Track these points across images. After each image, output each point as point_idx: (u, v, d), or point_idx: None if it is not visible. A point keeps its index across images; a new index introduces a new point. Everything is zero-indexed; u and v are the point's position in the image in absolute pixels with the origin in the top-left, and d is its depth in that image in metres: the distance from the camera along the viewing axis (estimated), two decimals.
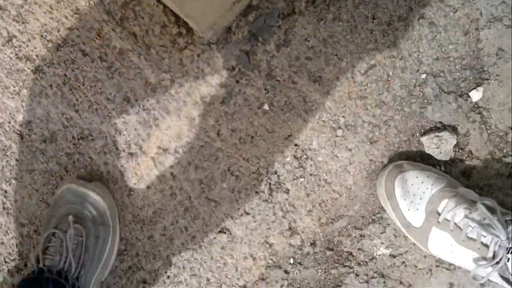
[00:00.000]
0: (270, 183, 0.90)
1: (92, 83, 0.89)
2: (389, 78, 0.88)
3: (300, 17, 0.87)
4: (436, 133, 0.87)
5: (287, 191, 0.90)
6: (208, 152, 0.90)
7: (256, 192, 0.91)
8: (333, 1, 0.86)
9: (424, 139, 0.88)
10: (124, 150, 0.90)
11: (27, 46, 0.89)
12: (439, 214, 0.77)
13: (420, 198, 0.80)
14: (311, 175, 0.90)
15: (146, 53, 0.88)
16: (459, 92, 0.88)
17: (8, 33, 0.89)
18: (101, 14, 0.87)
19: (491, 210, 0.72)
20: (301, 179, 0.90)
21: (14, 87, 0.90)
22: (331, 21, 0.87)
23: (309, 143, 0.89)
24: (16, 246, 0.93)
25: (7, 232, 0.93)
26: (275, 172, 0.90)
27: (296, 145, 0.90)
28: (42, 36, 0.88)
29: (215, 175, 0.90)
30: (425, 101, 0.88)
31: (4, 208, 0.93)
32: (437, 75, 0.87)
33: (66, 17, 0.88)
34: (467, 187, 0.81)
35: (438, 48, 0.87)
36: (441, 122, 0.88)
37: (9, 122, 0.91)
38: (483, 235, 0.72)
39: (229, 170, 0.90)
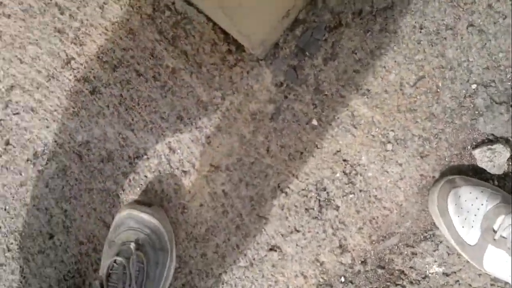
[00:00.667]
0: (319, 200, 0.88)
1: (147, 103, 0.91)
2: (438, 90, 0.85)
3: (347, 29, 0.86)
4: (489, 146, 0.82)
5: (337, 208, 0.88)
6: (258, 168, 0.89)
7: (306, 209, 0.89)
8: (380, 11, 0.85)
9: (476, 152, 0.84)
10: (178, 168, 0.91)
11: (85, 67, 0.92)
12: (495, 231, 0.72)
13: (475, 215, 0.75)
14: (361, 191, 0.88)
15: (198, 71, 0.89)
16: (511, 103, 0.84)
17: (66, 55, 0.92)
18: (153, 34, 0.90)
19: None
20: (351, 195, 0.88)
21: (73, 108, 0.93)
22: (378, 32, 0.86)
23: (359, 158, 0.87)
24: (75, 264, 0.94)
25: (66, 250, 0.95)
26: (325, 189, 0.88)
27: (345, 160, 0.88)
28: (98, 57, 0.91)
29: (265, 192, 0.89)
30: (476, 112, 0.85)
31: (64, 226, 0.95)
32: (488, 85, 0.84)
33: (121, 38, 0.90)
34: None
35: (488, 56, 0.84)
36: (493, 134, 0.84)
37: (69, 143, 0.93)
38: None
39: (279, 187, 0.89)
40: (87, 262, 0.93)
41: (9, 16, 0.91)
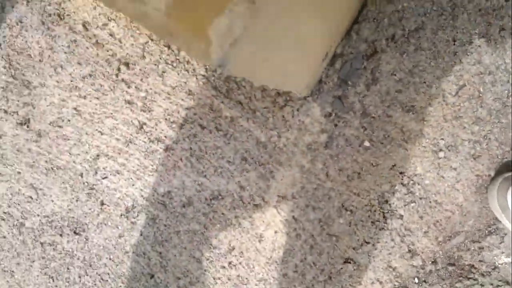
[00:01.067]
0: (383, 212, 0.95)
1: (213, 151, 1.01)
2: (480, 94, 0.88)
3: (383, 54, 0.91)
4: None
5: (400, 217, 0.94)
6: (321, 193, 0.97)
7: (372, 222, 0.95)
8: (412, 33, 0.89)
9: None
10: (249, 203, 1.00)
11: (156, 129, 1.03)
12: None
13: None
14: (421, 198, 0.93)
15: (253, 116, 0.98)
16: None
17: (139, 122, 1.04)
18: (210, 90, 0.99)
19: None
20: (412, 204, 0.93)
21: (152, 166, 1.05)
22: (413, 52, 0.90)
23: (414, 169, 0.93)
24: None
25: (166, 286, 1.08)
26: (386, 201, 0.95)
27: (401, 173, 0.93)
28: (166, 119, 1.03)
29: (331, 212, 0.97)
30: None
31: (161, 266, 1.08)
32: None
33: (182, 99, 1.01)
34: None
35: None
36: None
37: (153, 195, 1.06)
38: None
39: (343, 206, 0.97)
40: None
41: (85, 97, 1.04)
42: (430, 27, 0.87)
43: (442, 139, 0.88)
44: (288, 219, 0.96)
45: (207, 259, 1.01)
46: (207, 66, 0.96)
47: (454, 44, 0.86)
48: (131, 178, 1.03)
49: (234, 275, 1.00)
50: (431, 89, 0.88)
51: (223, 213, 0.99)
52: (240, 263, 1.00)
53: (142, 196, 1.03)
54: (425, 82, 0.88)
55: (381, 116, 0.91)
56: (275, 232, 0.97)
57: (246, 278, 1.00)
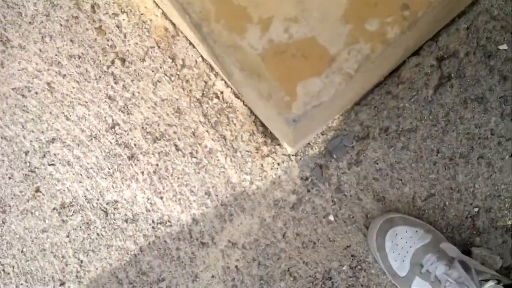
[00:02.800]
0: None
1: (180, 175, 0.93)
2: (445, 207, 0.92)
3: (373, 141, 0.92)
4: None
5: None
6: (272, 251, 0.93)
7: None
8: (404, 132, 0.91)
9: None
10: (197, 239, 0.93)
11: (128, 134, 0.93)
12: (422, 266, 0.81)
13: (407, 252, 0.82)
14: (362, 285, 0.92)
15: (233, 155, 0.93)
16: (505, 229, 0.92)
17: (112, 120, 0.94)
18: (198, 116, 0.93)
19: (467, 269, 0.76)
20: None
21: (109, 169, 0.94)
22: (400, 149, 0.92)
23: (365, 256, 0.92)
24: None
25: None
26: (330, 278, 0.93)
27: (353, 256, 0.93)
28: (143, 127, 0.93)
29: (275, 273, 0.93)
30: (475, 232, 0.92)
31: (77, 276, 0.95)
32: (488, 211, 0.92)
33: (167, 114, 0.93)
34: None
35: (492, 186, 0.91)
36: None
37: (98, 200, 0.94)
38: None
39: (288, 270, 0.93)
40: None
41: (64, 76, 0.92)
42: (422, 132, 0.89)
43: None
44: (231, 267, 0.90)
45: (130, 283, 0.91)
46: (205, 92, 0.90)
47: (437, 155, 0.89)
48: (81, 174, 0.92)
49: None
50: (405, 187, 0.90)
51: (165, 241, 0.91)
52: None
53: (85, 196, 0.92)
54: (401, 180, 0.90)
55: (352, 196, 0.90)
56: (212, 276, 0.90)
57: None
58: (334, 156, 0.91)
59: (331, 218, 0.91)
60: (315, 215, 0.91)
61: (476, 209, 0.90)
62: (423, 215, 0.90)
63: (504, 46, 0.90)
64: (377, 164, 0.91)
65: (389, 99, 0.90)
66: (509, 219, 0.90)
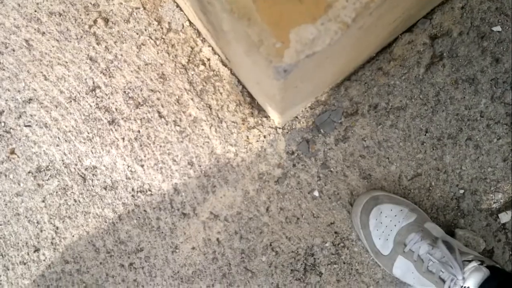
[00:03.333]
0: (306, 264, 0.90)
1: (162, 143, 0.89)
2: (430, 188, 0.90)
3: (361, 118, 0.89)
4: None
5: (320, 274, 0.90)
6: (255, 225, 0.90)
7: (292, 270, 0.90)
8: (393, 110, 0.89)
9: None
10: (178, 210, 0.90)
11: (109, 98, 0.89)
12: (405, 245, 0.79)
13: (391, 230, 0.81)
14: (344, 263, 0.90)
15: (218, 125, 0.89)
16: (489, 212, 0.90)
17: (93, 83, 0.89)
18: (183, 83, 0.88)
19: (451, 249, 0.74)
20: (335, 266, 0.90)
21: (88, 133, 0.89)
22: (388, 127, 0.89)
23: (349, 233, 0.90)
24: (56, 281, 0.91)
25: (50, 266, 0.91)
26: (312, 255, 0.90)
27: (336, 232, 0.90)
28: (124, 92, 0.89)
29: (257, 247, 0.90)
30: (459, 214, 0.90)
31: (52, 243, 0.91)
32: (474, 193, 0.90)
33: (151, 80, 0.89)
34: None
35: (479, 168, 0.89)
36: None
37: (76, 165, 0.90)
38: (441, 271, 0.74)
39: (270, 245, 0.90)
40: (68, 281, 0.90)
41: (43, 34, 0.87)
42: (411, 111, 0.87)
43: None
44: (212, 239, 0.87)
45: (108, 252, 0.88)
46: (191, 58, 0.86)
47: (425, 135, 0.87)
48: (58, 138, 0.87)
49: (131, 278, 0.88)
50: (391, 166, 0.87)
51: (145, 210, 0.87)
52: (142, 267, 0.88)
53: (62, 160, 0.87)
54: (388, 158, 0.87)
55: (338, 173, 0.87)
56: (193, 248, 0.87)
57: (143, 286, 0.88)
58: (322, 131, 0.88)
59: (316, 193, 0.88)
60: (300, 190, 0.88)
61: (461, 191, 0.88)
62: (408, 195, 0.88)
63: (498, 28, 0.88)
64: (365, 141, 0.88)
65: (380, 76, 0.87)
66: (494, 202, 0.88)
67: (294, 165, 0.88)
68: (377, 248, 0.82)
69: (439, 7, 0.86)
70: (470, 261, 0.75)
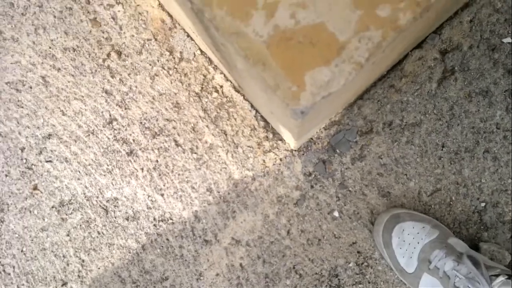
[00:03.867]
0: (330, 285, 0.89)
1: (181, 172, 0.89)
2: (451, 202, 0.88)
3: (377, 136, 0.88)
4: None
5: None
6: (277, 248, 0.90)
7: None
8: (408, 126, 0.88)
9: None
10: (200, 237, 0.90)
11: (126, 130, 0.90)
12: (430, 262, 0.78)
13: (414, 247, 0.79)
14: (369, 282, 0.89)
15: (234, 151, 0.89)
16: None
17: (110, 115, 0.90)
18: (198, 110, 0.89)
19: (477, 264, 0.73)
20: (360, 285, 0.89)
21: (107, 165, 0.90)
22: (404, 143, 0.88)
23: (372, 252, 0.89)
24: None
25: None
26: (337, 275, 0.89)
27: (359, 252, 0.89)
28: (141, 123, 0.90)
29: (281, 271, 0.90)
30: (482, 227, 0.89)
31: (79, 276, 0.91)
32: (495, 205, 0.88)
33: (166, 109, 0.89)
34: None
35: (499, 180, 0.88)
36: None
37: (97, 197, 0.91)
38: (468, 287, 0.72)
39: (294, 268, 0.90)
40: None
41: (59, 70, 0.88)
42: (426, 127, 0.86)
43: None
44: (235, 265, 0.87)
45: (134, 283, 0.88)
46: (204, 86, 0.86)
47: (442, 150, 0.86)
48: (79, 171, 0.88)
49: None
50: (410, 182, 0.86)
51: (167, 239, 0.87)
52: None
53: (84, 194, 0.88)
54: (406, 175, 0.86)
55: (357, 192, 0.87)
56: (217, 274, 0.87)
57: None
58: (338, 151, 0.87)
59: (336, 214, 0.87)
60: (320, 211, 0.87)
61: (483, 204, 0.87)
62: (429, 211, 0.87)
63: (508, 39, 0.87)
64: (381, 159, 0.87)
65: (392, 93, 0.87)
66: None
67: (312, 187, 0.87)
68: (402, 266, 0.81)
69: (447, 21, 0.86)
70: (497, 276, 0.73)
